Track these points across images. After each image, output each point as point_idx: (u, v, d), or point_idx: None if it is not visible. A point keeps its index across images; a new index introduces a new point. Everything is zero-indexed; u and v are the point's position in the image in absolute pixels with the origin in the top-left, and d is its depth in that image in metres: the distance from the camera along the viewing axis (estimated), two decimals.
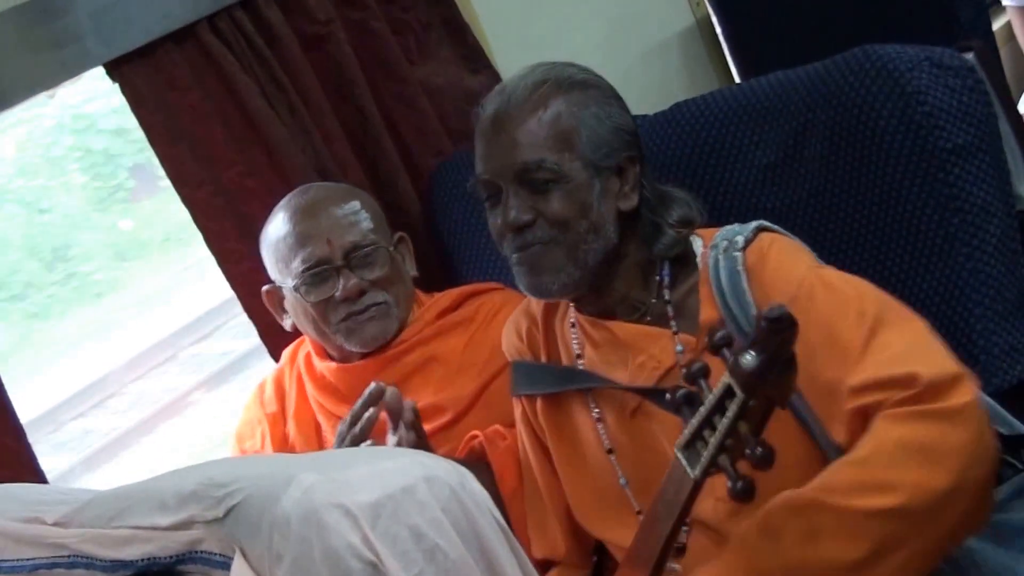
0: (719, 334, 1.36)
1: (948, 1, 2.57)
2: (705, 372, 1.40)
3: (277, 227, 2.06)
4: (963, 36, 2.49)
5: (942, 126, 1.79)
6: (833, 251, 1.90)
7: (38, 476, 1.97)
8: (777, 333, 1.30)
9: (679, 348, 1.69)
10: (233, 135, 2.22)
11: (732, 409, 1.35)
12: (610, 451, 1.77)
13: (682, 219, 1.75)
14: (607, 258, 1.71)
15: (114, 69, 2.15)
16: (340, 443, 1.83)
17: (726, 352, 1.35)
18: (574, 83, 1.73)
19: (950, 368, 1.47)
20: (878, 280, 1.87)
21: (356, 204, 2.07)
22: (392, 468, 1.46)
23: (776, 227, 1.73)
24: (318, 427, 2.12)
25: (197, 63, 2.20)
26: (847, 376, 1.50)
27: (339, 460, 1.56)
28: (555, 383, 1.83)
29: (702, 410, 1.39)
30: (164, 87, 2.17)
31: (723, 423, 1.36)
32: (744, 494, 1.34)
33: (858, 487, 1.43)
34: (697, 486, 1.40)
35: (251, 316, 2.24)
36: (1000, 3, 3.31)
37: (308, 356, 2.15)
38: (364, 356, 2.09)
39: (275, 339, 2.26)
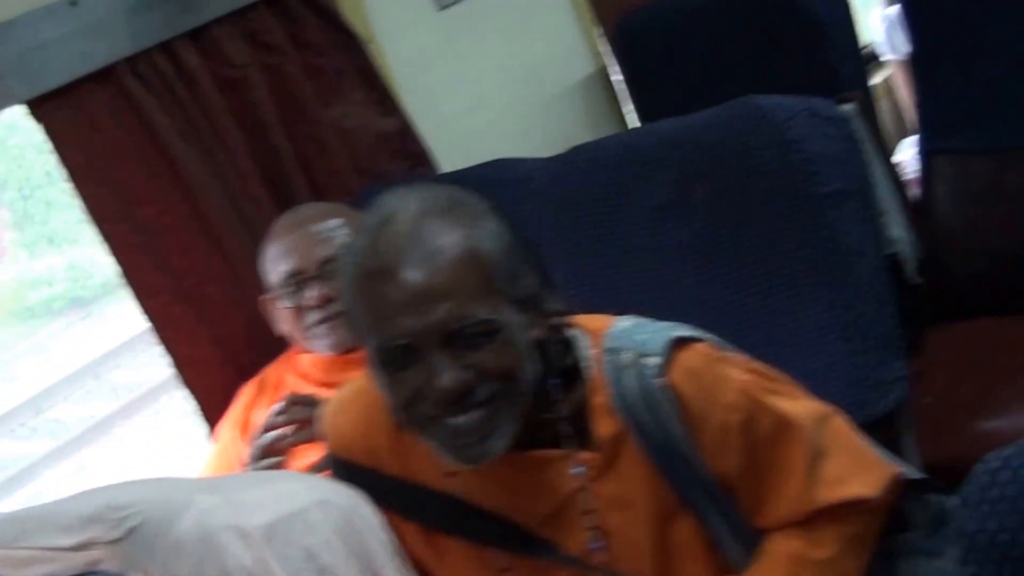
0: None
1: (830, 57, 2.62)
2: None
3: (269, 242, 2.14)
4: (844, 89, 2.53)
5: (818, 172, 1.83)
6: (719, 288, 1.92)
7: None
8: None
9: (577, 470, 1.48)
10: (152, 173, 2.19)
11: None
12: (505, 571, 1.54)
13: (558, 314, 1.48)
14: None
15: (36, 108, 2.11)
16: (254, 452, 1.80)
17: None
18: (469, 210, 1.41)
19: (886, 478, 1.51)
20: (761, 315, 1.91)
21: (337, 221, 2.12)
22: (286, 491, 1.46)
23: (689, 332, 1.50)
24: None
25: (117, 103, 2.17)
26: (798, 502, 1.48)
27: (236, 483, 1.55)
28: (438, 519, 1.55)
29: None
30: (85, 126, 2.14)
31: None
32: None
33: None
34: None
35: (167, 347, 2.21)
36: (878, 60, 3.39)
37: (291, 357, 2.20)
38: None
39: (189, 369, 2.22)
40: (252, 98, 2.32)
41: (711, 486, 1.47)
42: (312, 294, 2.08)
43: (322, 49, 2.41)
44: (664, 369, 1.44)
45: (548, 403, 1.46)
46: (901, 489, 1.53)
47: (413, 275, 1.35)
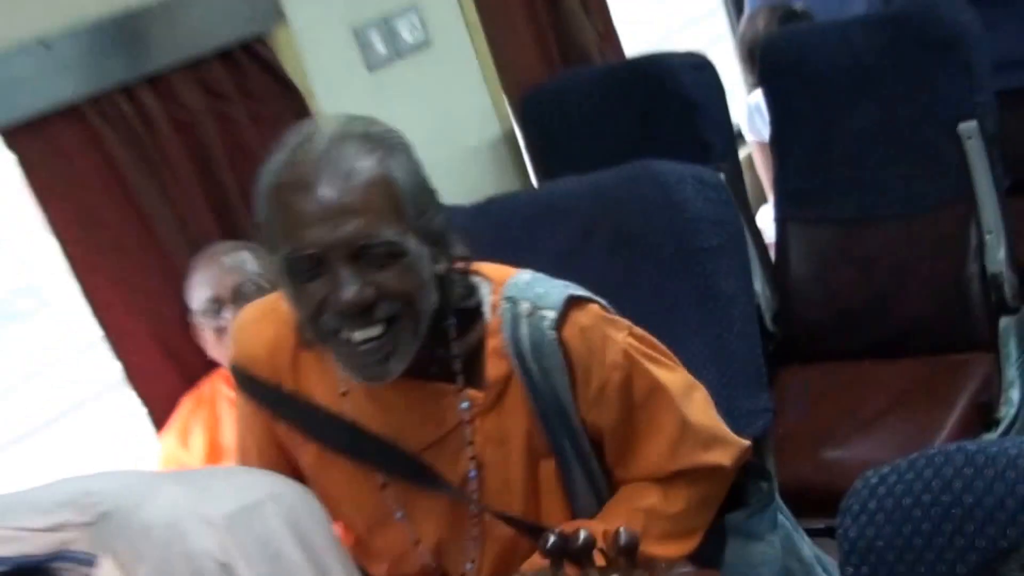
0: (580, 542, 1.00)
1: (705, 131, 2.73)
2: (560, 551, 1.02)
3: (191, 275, 2.23)
4: (717, 159, 2.65)
5: (701, 230, 1.92)
6: None
7: None
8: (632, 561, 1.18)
9: (464, 405, 1.47)
10: (113, 202, 2.25)
11: None
12: (384, 486, 1.53)
13: (462, 259, 1.48)
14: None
15: (9, 137, 2.14)
16: None
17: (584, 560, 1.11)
18: (385, 141, 1.38)
19: (738, 451, 1.57)
20: None
21: (247, 254, 2.22)
22: (245, 483, 1.49)
23: (583, 292, 1.50)
24: None
25: (83, 138, 2.22)
26: (662, 461, 1.49)
27: (199, 476, 1.57)
28: (325, 436, 1.52)
29: None
30: (54, 157, 2.18)
31: None
32: None
33: (668, 537, 1.50)
34: None
35: (118, 355, 2.24)
36: (742, 136, 3.52)
37: (223, 373, 2.24)
38: None
39: (139, 376, 2.26)
40: (203, 139, 2.37)
41: (579, 435, 1.48)
42: (228, 316, 2.16)
43: (265, 98, 2.46)
44: (558, 323, 1.43)
45: (445, 339, 1.45)
46: (744, 463, 1.60)
47: (327, 191, 1.31)
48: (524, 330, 1.44)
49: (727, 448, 1.56)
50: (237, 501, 1.41)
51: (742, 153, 3.39)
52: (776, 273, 2.82)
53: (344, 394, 1.49)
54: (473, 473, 1.48)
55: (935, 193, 2.58)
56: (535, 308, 1.44)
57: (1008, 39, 3.00)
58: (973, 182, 2.53)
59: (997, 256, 2.50)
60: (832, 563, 1.69)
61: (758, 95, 3.29)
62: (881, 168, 2.65)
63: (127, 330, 2.21)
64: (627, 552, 0.96)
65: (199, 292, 2.20)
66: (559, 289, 1.47)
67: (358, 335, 1.35)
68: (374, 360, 1.36)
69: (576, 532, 0.95)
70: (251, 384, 1.54)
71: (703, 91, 2.76)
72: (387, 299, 1.34)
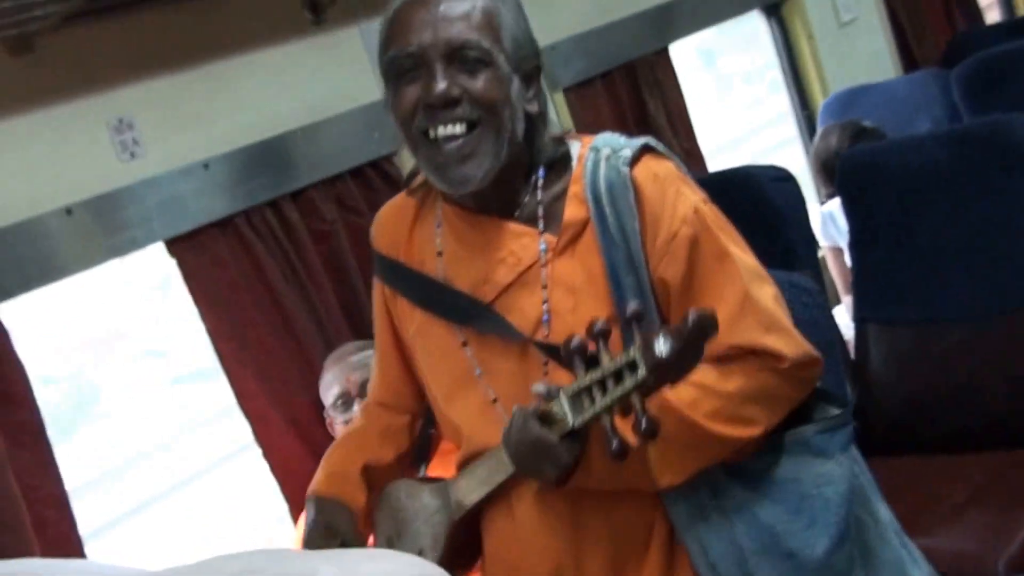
0: (632, 308, 1.29)
1: (789, 239, 2.85)
2: (606, 334, 1.31)
3: (322, 374, 2.38)
4: (800, 265, 2.77)
5: (802, 331, 2.02)
6: None
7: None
8: (700, 334, 1.25)
9: (543, 247, 1.51)
10: (258, 303, 2.44)
11: (630, 383, 1.28)
12: (464, 344, 1.57)
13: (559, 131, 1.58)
14: (510, 155, 1.49)
15: (171, 245, 2.34)
16: None
17: (635, 327, 1.28)
18: None
19: (803, 350, 1.49)
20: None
21: (371, 352, 2.21)
22: (391, 569, 1.60)
23: (660, 146, 1.55)
24: None
25: (234, 246, 2.43)
26: (721, 333, 1.35)
27: (349, 557, 1.69)
28: (417, 295, 1.61)
29: (599, 373, 1.31)
30: (209, 263, 2.39)
31: (617, 391, 1.29)
32: (620, 454, 1.31)
33: (720, 416, 1.44)
34: (571, 433, 1.38)
35: (258, 440, 2.42)
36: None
37: None
38: None
39: (276, 460, 2.42)
40: (337, 248, 2.55)
41: (647, 292, 1.48)
42: (356, 410, 2.31)
43: None
44: (632, 161, 1.49)
45: (533, 188, 1.53)
46: (815, 375, 1.52)
47: (438, 6, 1.45)
48: (602, 171, 1.50)
49: (789, 339, 1.48)
50: None
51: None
52: (855, 369, 2.92)
53: (440, 254, 1.58)
54: (545, 318, 1.50)
55: (1008, 297, 2.69)
56: (613, 151, 1.51)
57: None
58: None
59: None
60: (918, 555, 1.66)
61: (832, 204, 3.45)
62: (955, 272, 2.76)
63: (268, 418, 2.39)
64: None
65: (330, 389, 2.35)
66: (640, 139, 1.54)
67: (441, 131, 1.44)
68: (455, 159, 1.44)
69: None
70: (378, 261, 1.68)
71: (786, 201, 2.89)
72: (471, 102, 1.44)
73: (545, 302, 1.50)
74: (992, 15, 5.83)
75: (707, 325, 1.25)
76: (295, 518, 2.39)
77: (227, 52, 2.52)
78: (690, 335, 1.25)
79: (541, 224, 1.51)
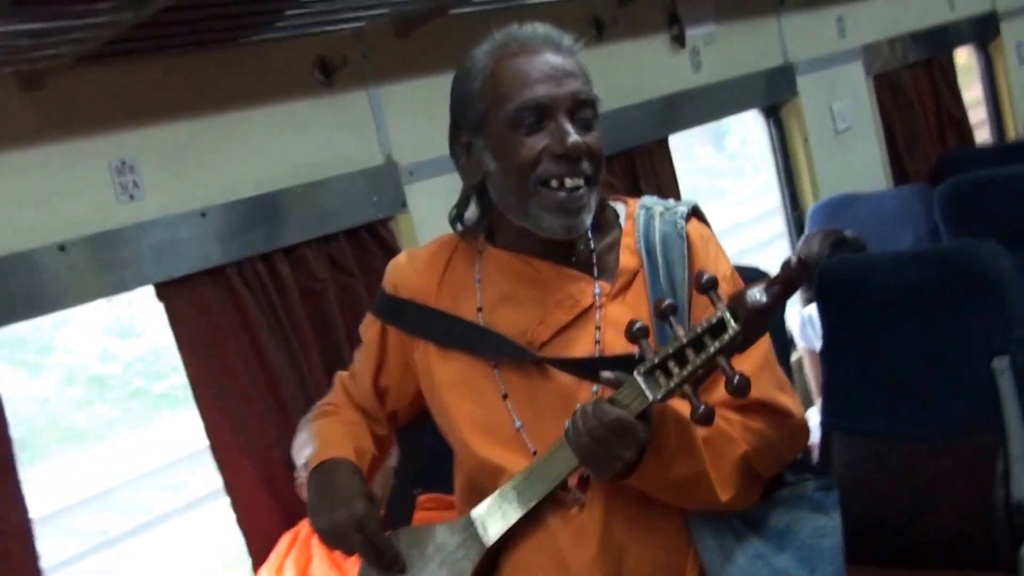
0: (706, 278, 1.37)
1: None
2: (645, 332, 1.40)
3: (297, 432, 2.35)
4: None
5: None
6: None
7: None
8: (804, 274, 1.35)
9: (597, 291, 1.59)
10: (242, 353, 2.45)
11: (715, 345, 1.34)
12: (505, 396, 1.59)
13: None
14: None
15: (160, 289, 2.36)
16: None
17: (713, 295, 1.36)
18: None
19: (804, 414, 1.61)
20: None
21: None
22: None
23: (702, 211, 1.68)
24: None
25: (223, 296, 2.45)
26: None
27: None
28: (455, 340, 1.63)
29: (673, 347, 1.37)
30: (196, 310, 2.41)
31: (701, 357, 1.35)
32: (707, 417, 1.37)
33: (766, 459, 1.54)
34: (650, 408, 1.41)
35: (228, 492, 2.41)
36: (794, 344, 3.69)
37: None
38: None
39: (244, 514, 2.41)
40: (325, 306, 2.58)
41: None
42: None
43: (383, 274, 2.63)
44: (687, 217, 1.61)
45: (585, 238, 1.61)
46: (805, 440, 1.62)
47: (551, 57, 1.54)
48: (656, 226, 1.61)
49: (796, 402, 1.60)
50: None
51: (792, 358, 3.56)
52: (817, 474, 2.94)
53: (480, 309, 1.62)
54: (597, 354, 1.57)
55: (966, 420, 2.72)
56: (667, 208, 1.64)
57: None
58: (1003, 414, 2.67)
59: (1022, 485, 2.61)
60: None
61: (811, 308, 3.49)
62: (918, 391, 2.80)
63: (240, 469, 2.38)
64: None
65: (304, 449, 2.31)
66: (690, 201, 1.67)
67: (569, 181, 1.51)
68: (575, 207, 1.52)
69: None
70: (394, 305, 1.70)
71: None
72: (587, 157, 1.53)
73: (598, 342, 1.57)
74: (983, 133, 5.95)
75: (793, 276, 1.34)
76: (256, 568, 2.39)
77: (235, 104, 2.56)
78: (793, 275, 1.34)
79: (595, 271, 1.60)
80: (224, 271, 2.43)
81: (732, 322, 1.34)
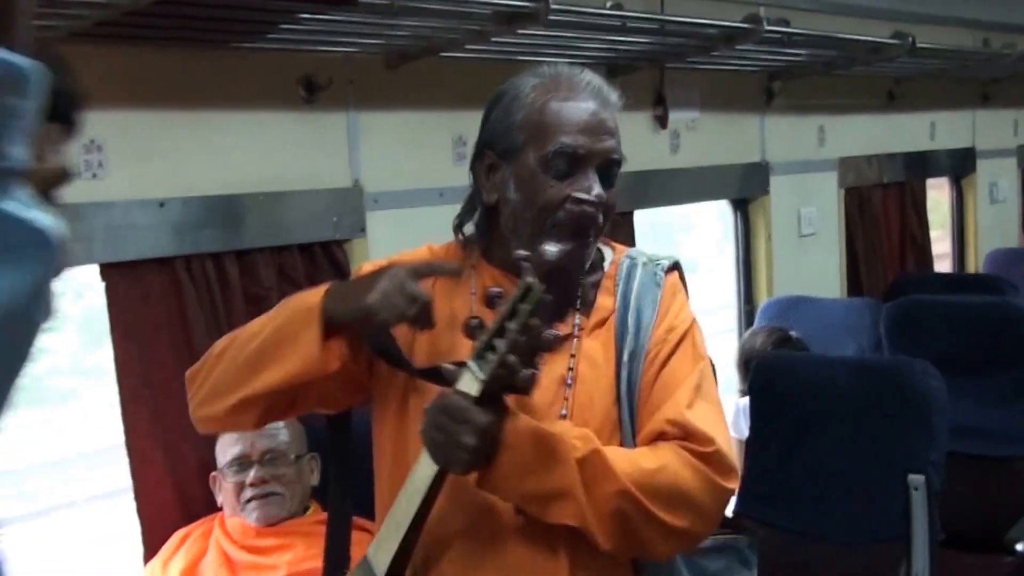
0: (475, 321, 1.45)
1: None
2: (480, 325, 1.44)
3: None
4: None
5: None
6: None
7: None
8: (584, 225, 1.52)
9: (577, 321, 1.66)
10: (173, 347, 2.43)
11: (525, 307, 1.39)
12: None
13: None
14: None
15: (105, 270, 2.35)
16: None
17: (524, 267, 1.42)
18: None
19: (732, 456, 1.60)
20: None
21: (280, 423, 2.34)
22: None
23: (683, 269, 1.77)
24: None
25: (167, 287, 2.43)
26: (669, 409, 1.57)
27: None
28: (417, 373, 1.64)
29: (495, 325, 1.41)
30: (137, 296, 2.39)
31: (515, 323, 1.39)
32: (529, 382, 1.43)
33: (663, 499, 1.51)
34: (483, 398, 1.44)
35: (134, 482, 2.39)
36: None
37: (219, 519, 2.37)
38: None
39: (145, 501, 2.39)
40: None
41: (636, 383, 1.62)
42: (251, 475, 2.29)
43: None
44: (668, 269, 1.70)
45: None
46: (731, 486, 1.59)
47: (597, 108, 1.60)
48: (638, 273, 1.69)
49: (723, 436, 1.60)
50: None
51: None
52: None
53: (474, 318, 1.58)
54: (569, 380, 1.62)
55: (875, 530, 2.74)
56: (651, 259, 1.72)
57: (968, 409, 3.24)
58: (911, 528, 2.70)
59: None
60: None
61: (746, 400, 3.52)
62: (832, 496, 2.83)
63: (150, 460, 2.36)
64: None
65: (230, 448, 2.34)
66: (673, 256, 1.75)
67: (584, 229, 1.57)
68: (580, 251, 1.58)
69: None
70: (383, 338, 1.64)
71: None
72: (602, 210, 1.59)
73: (571, 369, 1.63)
74: (944, 265, 6.04)
75: (576, 224, 1.52)
76: (147, 549, 2.38)
77: (214, 104, 2.57)
78: (572, 231, 1.52)
79: (578, 303, 1.67)
80: (172, 263, 2.41)
81: (536, 282, 1.40)
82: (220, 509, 2.39)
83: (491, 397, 1.46)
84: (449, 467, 1.49)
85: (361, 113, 2.88)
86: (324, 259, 2.70)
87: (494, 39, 2.77)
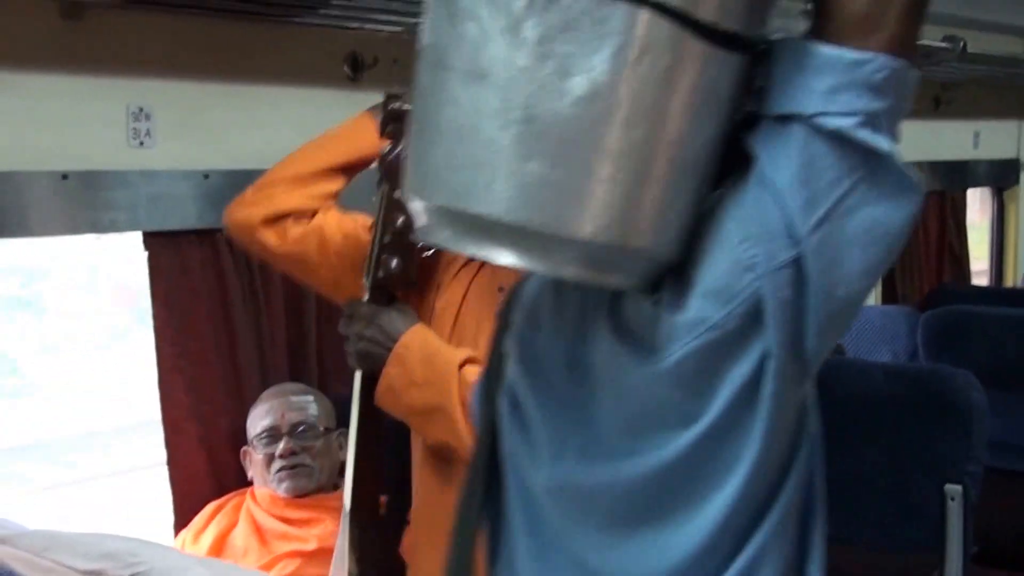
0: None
1: None
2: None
3: (257, 404, 2.40)
4: None
5: None
6: None
7: None
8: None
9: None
10: (211, 318, 2.45)
11: (382, 197, 1.60)
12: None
13: None
14: None
15: (148, 239, 2.36)
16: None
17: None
18: None
19: None
20: None
21: (311, 397, 2.41)
22: None
23: None
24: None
25: (207, 259, 2.45)
26: None
27: (224, 567, 1.75)
28: None
29: (375, 229, 1.62)
30: (178, 266, 2.41)
31: (380, 212, 1.60)
32: (400, 270, 1.58)
33: None
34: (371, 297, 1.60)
35: (168, 452, 2.41)
36: None
37: (251, 492, 2.40)
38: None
39: (178, 470, 2.41)
40: (302, 290, 2.55)
41: None
42: (281, 446, 2.31)
43: None
44: None
45: None
46: None
47: None
48: None
49: None
50: None
51: None
52: None
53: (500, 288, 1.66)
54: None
55: (909, 538, 2.73)
56: None
57: (1006, 425, 3.22)
58: (945, 539, 2.69)
59: None
60: None
61: None
62: (868, 499, 2.81)
63: (184, 431, 2.38)
64: None
65: (261, 420, 2.37)
66: None
67: None
68: None
69: None
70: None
71: None
72: None
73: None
74: (981, 280, 6.00)
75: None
76: (178, 519, 2.40)
77: (261, 78, 2.58)
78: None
79: None
80: (214, 235, 2.42)
81: (385, 183, 1.61)
82: (251, 484, 2.41)
83: (381, 297, 1.62)
84: (359, 365, 1.63)
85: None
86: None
87: None
